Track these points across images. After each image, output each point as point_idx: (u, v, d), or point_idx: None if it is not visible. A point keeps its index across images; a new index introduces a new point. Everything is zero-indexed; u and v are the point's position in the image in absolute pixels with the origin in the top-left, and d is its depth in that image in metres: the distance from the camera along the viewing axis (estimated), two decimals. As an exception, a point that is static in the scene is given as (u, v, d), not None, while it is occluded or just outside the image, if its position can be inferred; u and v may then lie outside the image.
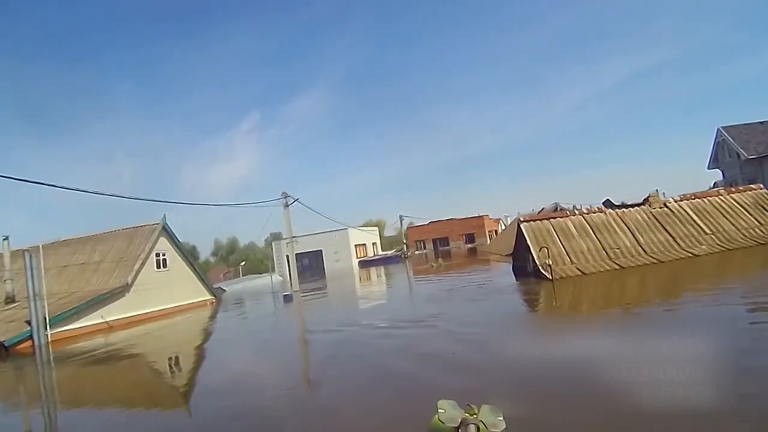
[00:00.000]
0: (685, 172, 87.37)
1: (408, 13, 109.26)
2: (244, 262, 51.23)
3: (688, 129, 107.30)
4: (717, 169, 38.02)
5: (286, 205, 23.37)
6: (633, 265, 14.59)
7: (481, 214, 69.51)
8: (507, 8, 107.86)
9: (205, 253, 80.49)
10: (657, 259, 14.84)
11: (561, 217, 16.65)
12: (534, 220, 16.54)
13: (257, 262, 59.19)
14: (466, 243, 67.07)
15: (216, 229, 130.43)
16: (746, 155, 32.23)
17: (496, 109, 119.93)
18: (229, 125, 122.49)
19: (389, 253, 54.77)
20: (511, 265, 18.98)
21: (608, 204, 17.49)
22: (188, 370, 10.12)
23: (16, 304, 18.04)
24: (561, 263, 14.65)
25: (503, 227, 72.60)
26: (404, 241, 56.91)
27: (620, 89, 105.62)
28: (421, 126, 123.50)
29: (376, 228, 68.34)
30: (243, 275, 52.36)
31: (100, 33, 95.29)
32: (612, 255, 15.24)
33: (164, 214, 22.28)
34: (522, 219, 16.70)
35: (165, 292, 21.55)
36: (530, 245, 15.44)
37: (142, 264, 20.66)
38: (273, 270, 51.02)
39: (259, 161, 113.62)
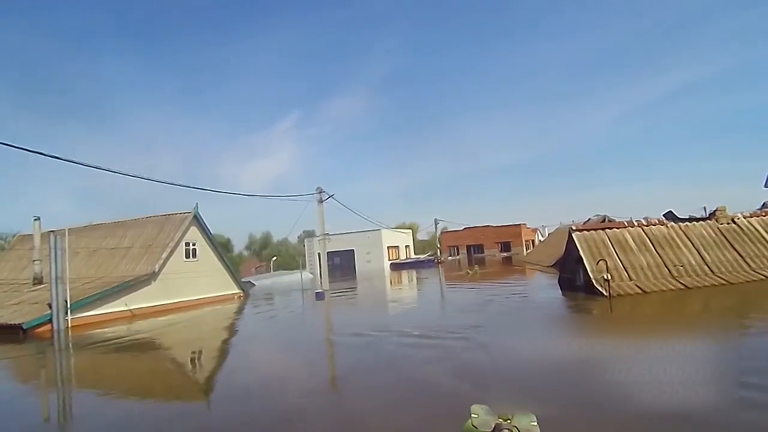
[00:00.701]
0: (734, 192, 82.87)
1: (448, 20, 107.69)
2: (275, 258, 50.95)
3: (735, 149, 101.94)
4: (776, 188, 35.40)
5: (321, 201, 22.54)
6: (699, 285, 13.08)
7: (518, 223, 67.40)
8: (543, 22, 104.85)
9: (239, 246, 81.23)
10: (725, 280, 13.31)
11: (618, 228, 15.20)
12: (588, 230, 15.14)
13: (289, 258, 58.92)
14: (501, 251, 65.14)
15: (251, 223, 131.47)
16: (815, 171, 29.88)
17: (532, 120, 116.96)
18: (268, 122, 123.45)
19: (422, 256, 53.55)
20: (557, 278, 17.61)
21: (670, 216, 15.93)
22: (208, 369, 9.31)
23: (42, 286, 17.72)
24: (618, 279, 13.24)
25: (541, 237, 70.52)
26: (438, 246, 55.53)
27: (661, 104, 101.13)
28: (456, 132, 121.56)
29: (410, 230, 67.17)
30: (274, 270, 52.20)
31: (147, 24, 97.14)
32: (675, 273, 13.74)
33: (196, 203, 21.75)
34: (574, 228, 15.30)
35: (192, 283, 21.00)
36: (583, 257, 14.07)
37: (171, 252, 20.15)
38: (304, 267, 50.77)
39: (295, 159, 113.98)
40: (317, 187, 22.72)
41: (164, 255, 19.73)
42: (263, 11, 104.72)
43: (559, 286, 16.62)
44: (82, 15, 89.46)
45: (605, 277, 12.47)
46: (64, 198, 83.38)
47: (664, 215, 16.11)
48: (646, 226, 15.33)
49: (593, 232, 15.06)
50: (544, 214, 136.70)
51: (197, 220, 21.91)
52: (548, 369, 6.38)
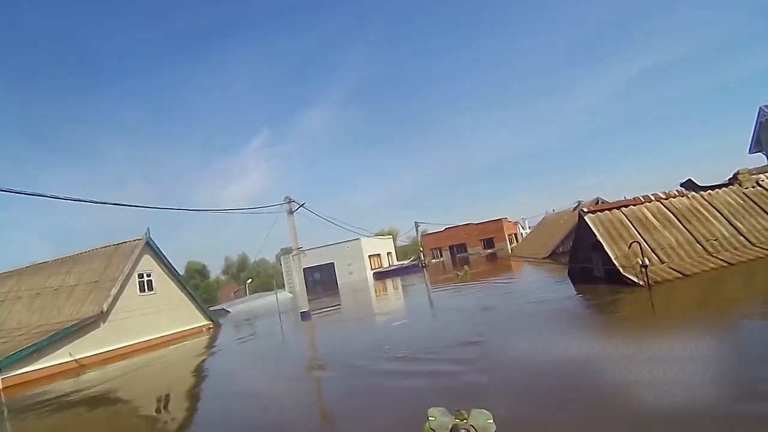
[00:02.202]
0: (715, 161, 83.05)
1: (415, 23, 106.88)
2: (251, 280, 48.02)
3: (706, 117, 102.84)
4: (761, 153, 34.43)
5: (290, 212, 20.04)
6: (742, 259, 11.09)
7: (499, 218, 65.68)
8: (513, 20, 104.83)
9: (216, 271, 77.89)
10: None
11: (634, 204, 13.14)
12: (601, 210, 13.04)
13: (267, 278, 55.93)
14: (484, 248, 63.21)
15: (228, 247, 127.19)
16: (799, 133, 28.92)
17: (504, 118, 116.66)
18: (238, 144, 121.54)
19: (405, 262, 51.19)
20: (566, 270, 15.48)
21: (689, 185, 13.97)
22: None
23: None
24: (647, 263, 11.13)
25: (522, 230, 69.03)
26: (420, 249, 53.31)
27: (632, 85, 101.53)
28: (427, 135, 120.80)
29: (390, 237, 64.85)
30: (251, 293, 49.20)
31: (114, 58, 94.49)
32: (710, 249, 11.71)
33: (147, 228, 19.05)
34: (585, 210, 13.19)
35: (151, 320, 18.29)
36: (602, 242, 11.92)
37: (121, 287, 17.43)
38: (282, 286, 47.94)
39: (268, 177, 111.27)
40: (286, 197, 20.22)
41: (113, 291, 16.99)
42: (227, 43, 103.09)
43: (570, 280, 14.50)
44: (47, 47, 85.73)
45: (641, 263, 10.32)
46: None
47: (682, 185, 14.14)
48: (665, 199, 13.33)
49: (607, 212, 12.95)
50: (522, 206, 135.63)
51: (150, 247, 19.21)
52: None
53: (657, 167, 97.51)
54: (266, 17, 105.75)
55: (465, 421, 3.39)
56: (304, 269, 23.85)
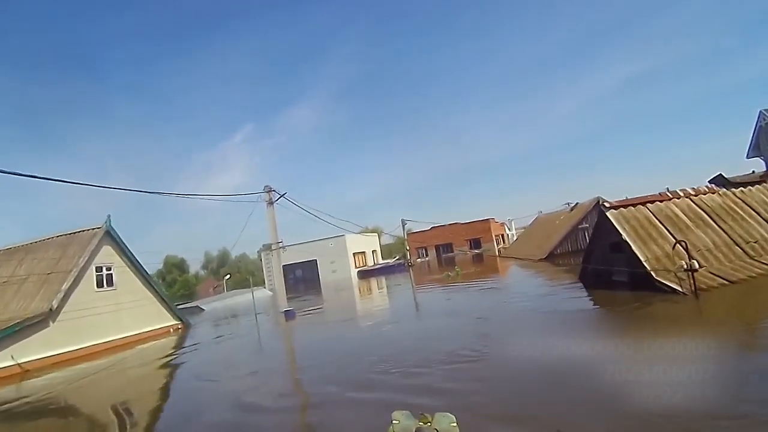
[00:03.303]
0: (712, 166, 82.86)
1: (401, 24, 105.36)
2: (229, 276, 45.77)
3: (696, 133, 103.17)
4: (758, 158, 33.56)
5: (270, 202, 18.17)
6: (792, 265, 9.64)
7: (486, 218, 64.34)
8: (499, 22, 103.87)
9: (195, 266, 75.29)
10: (814, 255, 9.97)
11: (660, 201, 11.62)
12: (624, 206, 11.47)
13: (248, 274, 53.74)
14: (471, 249, 61.83)
15: (210, 242, 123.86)
16: (801, 136, 28.02)
17: (493, 114, 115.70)
18: (223, 138, 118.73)
19: (391, 261, 49.48)
20: (579, 273, 13.92)
21: (721, 182, 12.49)
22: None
23: None
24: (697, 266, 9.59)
25: (509, 231, 67.83)
26: (406, 248, 51.66)
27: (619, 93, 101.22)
28: (414, 134, 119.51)
29: (376, 234, 63.05)
30: (228, 290, 47.00)
31: (97, 49, 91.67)
32: (751, 252, 10.24)
33: (108, 215, 16.98)
34: (607, 205, 11.62)
35: (110, 319, 16.30)
36: (629, 241, 10.36)
37: (75, 282, 15.40)
38: (263, 283, 45.84)
39: (252, 175, 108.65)
40: (265, 186, 18.33)
41: (64, 286, 14.97)
42: (214, 37, 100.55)
43: (582, 285, 12.93)
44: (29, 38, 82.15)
45: (687, 266, 8.75)
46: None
47: (711, 182, 12.65)
48: (695, 195, 11.84)
49: (631, 208, 11.41)
50: (506, 207, 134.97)
51: (111, 236, 17.17)
52: None
53: (648, 171, 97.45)
54: (251, 12, 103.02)
55: (429, 424, 3.39)
56: (285, 266, 22.04)
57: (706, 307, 7.96)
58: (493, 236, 62.52)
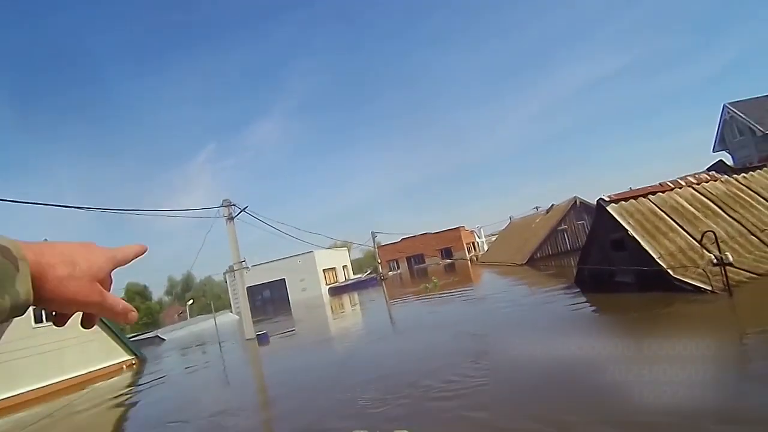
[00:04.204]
0: (678, 160, 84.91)
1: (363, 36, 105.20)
2: (191, 301, 43.17)
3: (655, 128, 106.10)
4: (724, 152, 33.94)
5: (230, 218, 16.50)
6: (815, 254, 8.70)
7: (456, 226, 63.62)
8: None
9: (159, 291, 71.91)
10: (833, 242, 9.09)
11: (662, 191, 10.62)
12: (624, 199, 10.41)
13: (214, 297, 51.13)
14: (442, 258, 60.84)
15: (175, 267, 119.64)
16: (763, 130, 28.37)
17: (452, 127, 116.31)
18: (184, 158, 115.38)
19: (362, 276, 47.94)
20: (574, 276, 12.78)
21: (721, 168, 11.62)
22: None
23: None
24: (700, 261, 8.52)
25: (479, 239, 67.24)
26: (378, 261, 50.22)
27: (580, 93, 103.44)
28: (383, 147, 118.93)
29: (346, 249, 61.35)
30: (193, 316, 44.42)
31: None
32: (768, 241, 9.28)
33: (45, 239, 14.90)
34: (607, 199, 10.51)
35: (51, 359, 14.22)
36: (636, 236, 9.26)
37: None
38: (224, 308, 43.50)
39: (215, 194, 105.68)
40: (224, 200, 16.66)
41: (-8, 325, 12.91)
42: (174, 56, 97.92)
43: (580, 289, 11.80)
44: None
45: (717, 259, 7.65)
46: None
47: (710, 168, 11.77)
48: (697, 184, 10.89)
49: (632, 201, 10.36)
50: (476, 214, 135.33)
51: (48, 265, 15.12)
52: None
53: (612, 167, 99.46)
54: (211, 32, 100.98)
55: None
56: (252, 287, 20.35)
57: (745, 305, 6.84)
58: (464, 244, 61.79)
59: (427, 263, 61.16)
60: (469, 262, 45.40)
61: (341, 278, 50.59)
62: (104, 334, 16.53)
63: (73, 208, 10.16)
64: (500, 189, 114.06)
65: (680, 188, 10.71)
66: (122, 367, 16.70)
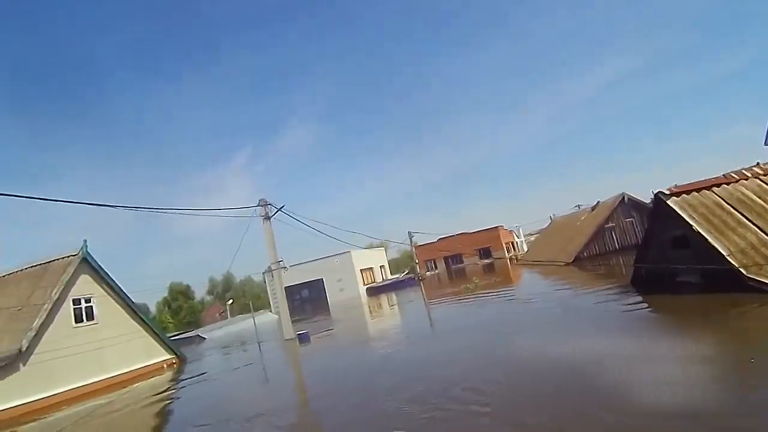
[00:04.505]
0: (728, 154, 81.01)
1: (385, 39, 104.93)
2: (231, 301, 43.78)
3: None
4: (780, 145, 31.69)
5: (267, 217, 16.38)
6: None
7: (495, 226, 62.37)
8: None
9: (201, 291, 73.63)
10: None
11: (727, 183, 9.74)
12: (687, 192, 9.59)
13: (254, 298, 51.80)
14: (481, 258, 59.77)
15: (213, 266, 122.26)
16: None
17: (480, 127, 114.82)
18: (219, 163, 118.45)
19: (400, 276, 47.47)
20: (631, 276, 11.96)
21: (792, 158, 10.60)
22: None
23: None
24: (777, 260, 7.69)
25: (518, 238, 65.74)
26: (415, 261, 49.66)
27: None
28: (413, 147, 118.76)
29: (383, 248, 60.99)
30: (233, 315, 45.03)
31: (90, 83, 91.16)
32: None
33: (84, 241, 15.14)
34: (667, 192, 9.71)
35: (91, 358, 14.40)
36: (703, 233, 8.47)
37: (49, 317, 13.55)
38: (264, 307, 43.86)
39: (250, 196, 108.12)
40: (261, 200, 16.55)
41: (36, 322, 13.11)
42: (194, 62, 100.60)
43: (636, 290, 11.00)
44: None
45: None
46: None
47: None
48: (764, 175, 9.95)
49: (695, 194, 9.53)
50: (513, 213, 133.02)
51: (89, 264, 15.30)
52: None
53: (658, 161, 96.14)
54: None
55: None
56: (290, 287, 20.22)
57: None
58: (503, 244, 60.54)
59: (465, 263, 60.22)
60: (508, 261, 44.30)
61: (378, 278, 50.26)
62: (144, 332, 16.71)
63: (120, 208, 10.13)
64: (538, 189, 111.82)
65: (746, 180, 9.80)
66: (163, 367, 16.80)
